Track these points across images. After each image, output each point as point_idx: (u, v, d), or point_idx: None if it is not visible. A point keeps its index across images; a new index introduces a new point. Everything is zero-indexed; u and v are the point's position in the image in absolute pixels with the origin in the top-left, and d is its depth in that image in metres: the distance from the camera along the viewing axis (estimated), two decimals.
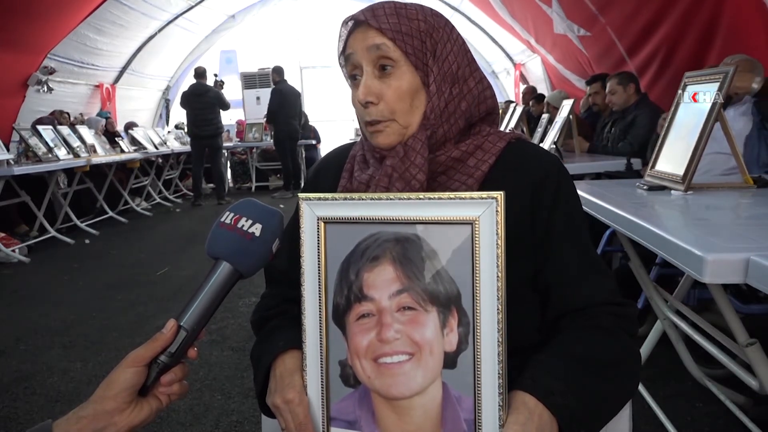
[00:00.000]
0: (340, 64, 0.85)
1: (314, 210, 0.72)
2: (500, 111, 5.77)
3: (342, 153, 0.94)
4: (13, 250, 4.65)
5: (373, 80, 0.79)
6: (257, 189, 9.04)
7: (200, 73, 7.37)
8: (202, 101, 7.17)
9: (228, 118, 8.66)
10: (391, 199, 0.68)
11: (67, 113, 6.74)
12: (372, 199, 0.69)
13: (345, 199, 0.71)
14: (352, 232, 0.70)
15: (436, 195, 0.66)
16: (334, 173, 0.90)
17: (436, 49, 0.79)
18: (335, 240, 0.71)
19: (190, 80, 7.65)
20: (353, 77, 0.82)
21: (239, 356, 2.61)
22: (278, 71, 7.58)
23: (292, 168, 8.01)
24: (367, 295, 0.68)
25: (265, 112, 7.78)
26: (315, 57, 10.54)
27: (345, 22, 0.81)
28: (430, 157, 0.79)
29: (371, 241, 0.68)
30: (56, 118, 6.26)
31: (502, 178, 0.80)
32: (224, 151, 8.59)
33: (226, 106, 7.52)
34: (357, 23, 0.80)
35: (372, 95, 0.78)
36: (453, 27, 0.83)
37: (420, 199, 0.67)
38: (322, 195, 0.72)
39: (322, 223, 0.71)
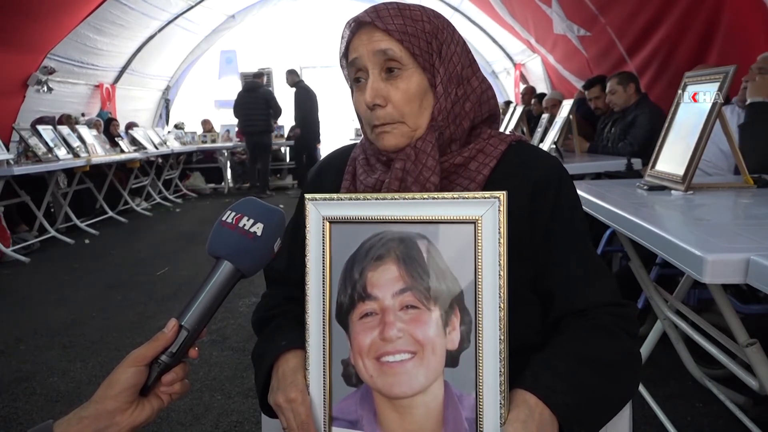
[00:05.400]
0: (341, 65, 0.84)
1: (320, 210, 0.72)
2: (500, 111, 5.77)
3: (343, 154, 0.93)
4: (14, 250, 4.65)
5: (380, 82, 0.78)
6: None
7: (257, 74, 7.84)
8: (252, 98, 7.47)
9: (228, 118, 8.68)
10: (395, 198, 0.68)
11: (73, 116, 6.72)
12: (377, 199, 0.70)
13: (350, 199, 0.71)
14: (357, 231, 0.70)
15: (439, 195, 0.67)
16: (335, 174, 0.90)
17: (442, 50, 0.79)
18: (340, 240, 0.71)
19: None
20: (357, 80, 0.81)
21: (239, 356, 2.61)
22: (294, 72, 7.83)
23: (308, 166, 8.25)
24: (371, 293, 0.68)
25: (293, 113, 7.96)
26: (315, 57, 10.52)
27: (348, 24, 0.80)
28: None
29: (376, 240, 0.69)
30: (65, 123, 6.25)
31: (503, 181, 0.80)
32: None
33: (275, 107, 7.71)
34: (361, 24, 0.79)
35: (380, 97, 0.78)
36: (454, 28, 0.83)
37: (424, 198, 0.67)
38: (327, 195, 0.72)
39: (328, 223, 0.71)
